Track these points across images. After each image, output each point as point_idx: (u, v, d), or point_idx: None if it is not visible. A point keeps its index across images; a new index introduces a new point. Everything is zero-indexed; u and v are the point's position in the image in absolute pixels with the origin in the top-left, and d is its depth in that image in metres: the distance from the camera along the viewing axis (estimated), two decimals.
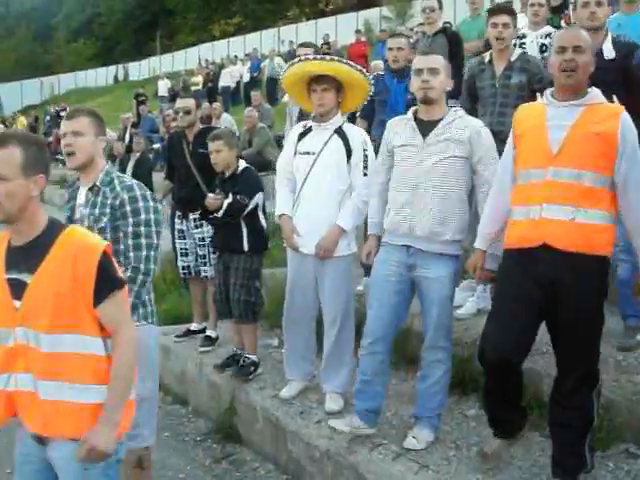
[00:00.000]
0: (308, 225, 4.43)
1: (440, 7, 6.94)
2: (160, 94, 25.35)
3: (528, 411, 3.79)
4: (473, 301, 5.15)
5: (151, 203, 3.48)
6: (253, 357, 5.22)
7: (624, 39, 4.70)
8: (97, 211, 3.45)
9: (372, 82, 4.57)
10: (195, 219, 5.78)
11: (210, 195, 5.14)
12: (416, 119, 3.96)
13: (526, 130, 3.45)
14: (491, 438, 3.77)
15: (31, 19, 58.45)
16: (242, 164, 5.25)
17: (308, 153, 4.44)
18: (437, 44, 6.65)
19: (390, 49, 5.85)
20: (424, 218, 3.84)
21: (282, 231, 4.61)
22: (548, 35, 6.10)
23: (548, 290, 3.29)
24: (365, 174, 4.40)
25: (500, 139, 4.01)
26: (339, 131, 4.42)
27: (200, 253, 5.83)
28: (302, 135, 4.54)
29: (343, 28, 34.89)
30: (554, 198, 3.27)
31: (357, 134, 4.49)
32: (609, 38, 4.58)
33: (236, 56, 28.43)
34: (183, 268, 5.98)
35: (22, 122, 25.40)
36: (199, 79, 23.72)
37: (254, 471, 4.63)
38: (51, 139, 19.93)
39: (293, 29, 40.97)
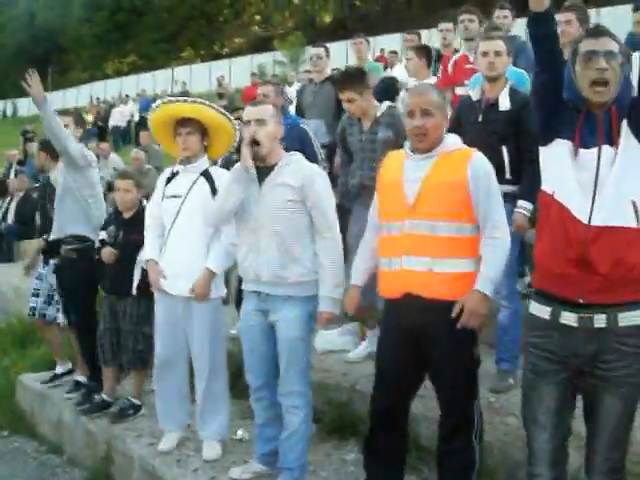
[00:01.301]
0: (176, 268, 4.33)
1: (327, 55, 7.09)
2: None
3: (406, 454, 3.75)
4: (365, 344, 5.11)
5: None
6: (135, 400, 5.10)
7: (521, 91, 4.57)
8: None
9: (238, 128, 4.46)
10: (55, 264, 5.66)
11: (106, 249, 5.05)
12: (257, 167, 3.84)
13: (386, 184, 3.54)
14: None
15: None
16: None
17: (175, 196, 4.38)
18: (325, 91, 6.80)
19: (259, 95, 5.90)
20: (266, 262, 3.79)
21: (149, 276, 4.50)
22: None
23: (419, 338, 3.35)
24: None
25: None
26: (205, 174, 4.36)
27: (57, 298, 5.76)
28: (169, 179, 4.47)
29: (237, 71, 35.23)
30: (411, 250, 3.33)
31: (224, 176, 4.29)
32: (506, 90, 4.44)
33: (127, 95, 28.14)
34: (31, 309, 5.92)
35: None
36: (89, 117, 23.28)
37: None
38: None
39: (187, 70, 41.03)
